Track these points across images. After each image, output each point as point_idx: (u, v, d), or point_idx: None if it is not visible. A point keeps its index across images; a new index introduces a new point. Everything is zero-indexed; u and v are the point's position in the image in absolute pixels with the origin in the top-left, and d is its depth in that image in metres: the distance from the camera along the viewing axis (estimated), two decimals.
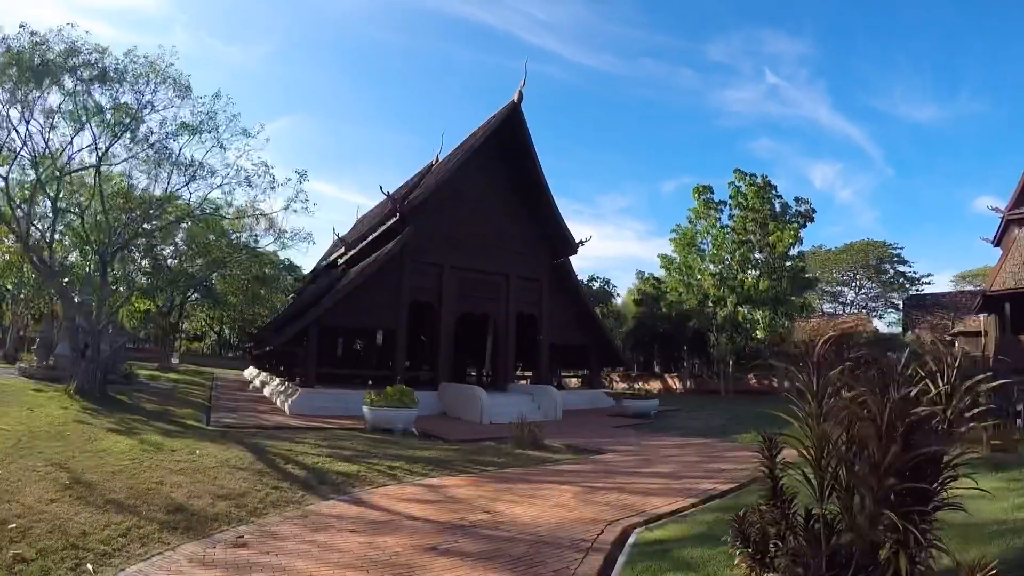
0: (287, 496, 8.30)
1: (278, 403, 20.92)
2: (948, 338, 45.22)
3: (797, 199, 34.40)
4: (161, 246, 32.34)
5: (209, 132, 19.56)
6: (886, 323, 60.13)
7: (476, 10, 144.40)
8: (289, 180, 20.70)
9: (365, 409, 15.11)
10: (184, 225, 30.04)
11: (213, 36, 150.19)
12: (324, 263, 37.22)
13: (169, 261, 34.37)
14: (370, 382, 21.27)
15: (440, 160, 29.44)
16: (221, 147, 19.76)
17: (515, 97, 24.89)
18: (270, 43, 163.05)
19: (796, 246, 32.72)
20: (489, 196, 25.38)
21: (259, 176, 20.16)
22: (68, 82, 18.34)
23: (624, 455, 12.55)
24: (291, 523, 7.08)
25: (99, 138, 19.37)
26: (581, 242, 26.79)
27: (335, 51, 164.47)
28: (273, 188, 20.40)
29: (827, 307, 61.92)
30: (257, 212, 21.75)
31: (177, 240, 32.65)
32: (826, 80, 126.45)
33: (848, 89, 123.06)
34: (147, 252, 32.03)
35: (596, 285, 50.51)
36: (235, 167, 20.11)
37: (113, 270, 29.56)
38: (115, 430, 12.79)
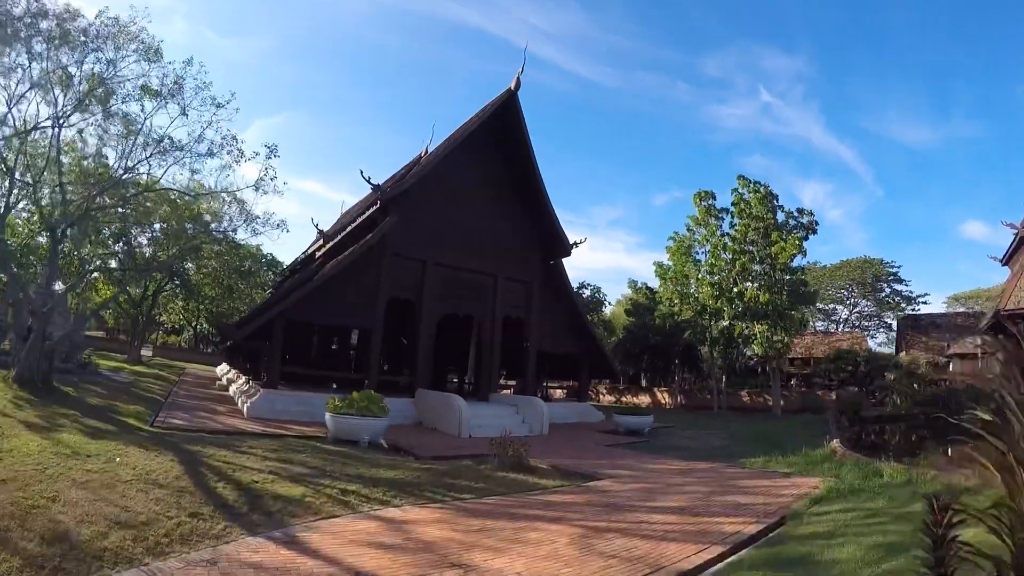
0: (203, 527, 6.52)
1: (239, 404, 19.08)
2: (944, 359, 44.07)
3: (799, 210, 32.81)
4: (136, 230, 30.47)
5: (173, 97, 17.68)
6: (877, 343, 59.03)
7: (475, 15, 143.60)
8: (257, 154, 18.74)
9: (327, 416, 13.27)
10: (161, 210, 28.30)
11: (212, 29, 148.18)
12: (303, 257, 35.34)
13: (145, 249, 32.42)
14: (334, 385, 19.34)
15: (429, 153, 27.74)
16: (184, 114, 17.86)
17: (512, 85, 23.20)
18: (268, 39, 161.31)
19: (799, 258, 31.15)
20: (479, 189, 23.64)
21: (227, 150, 18.27)
22: (36, 46, 16.63)
23: (623, 482, 10.76)
24: (192, 571, 5.29)
25: (60, 104, 17.55)
26: (575, 243, 25.14)
27: (331, 50, 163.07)
28: (238, 162, 18.49)
29: (819, 325, 60.64)
30: (225, 190, 19.82)
31: (155, 226, 30.79)
32: (820, 99, 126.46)
33: (841, 109, 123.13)
34: (119, 235, 30.08)
35: (586, 293, 48.91)
36: (200, 137, 18.21)
37: (79, 252, 27.64)
38: (37, 426, 11.11)
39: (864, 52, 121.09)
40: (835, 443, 16.26)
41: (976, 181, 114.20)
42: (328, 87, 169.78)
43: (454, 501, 8.42)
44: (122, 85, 17.79)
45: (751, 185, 32.69)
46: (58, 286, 30.62)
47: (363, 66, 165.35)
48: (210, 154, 18.06)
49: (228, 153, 18.17)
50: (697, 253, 35.62)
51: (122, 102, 17.80)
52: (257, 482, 8.53)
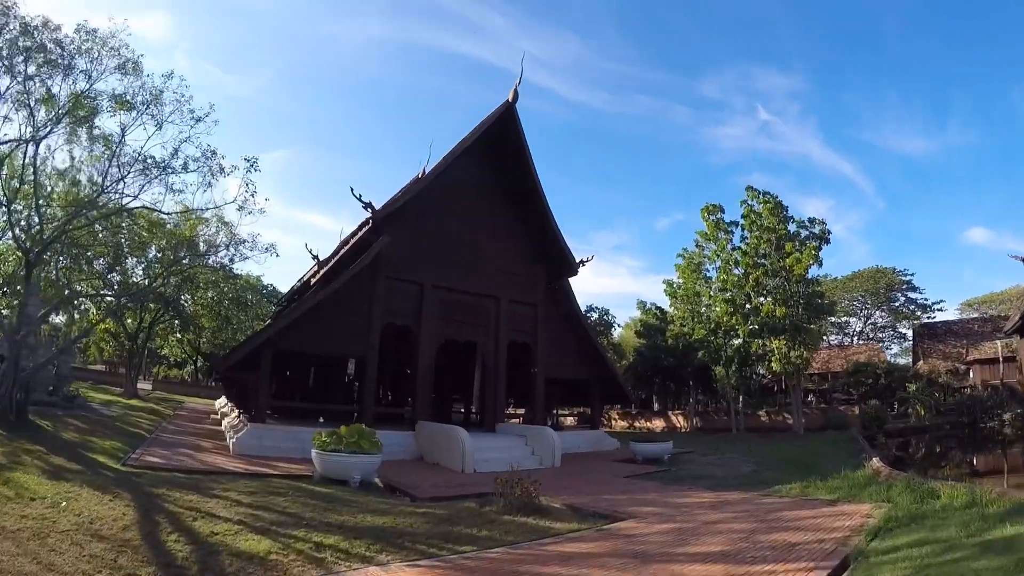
0: None
1: (227, 439, 17.77)
2: (963, 366, 42.54)
3: (811, 220, 31.68)
4: (131, 260, 29.43)
5: (148, 108, 16.69)
6: (891, 354, 57.39)
7: (472, 46, 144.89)
8: (236, 168, 17.59)
9: (313, 453, 11.94)
10: (155, 239, 27.33)
11: (214, 64, 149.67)
12: (299, 285, 34.15)
13: (140, 278, 31.36)
14: (321, 419, 17.95)
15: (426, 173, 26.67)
16: (159, 128, 16.87)
17: (509, 96, 22.16)
18: (270, 74, 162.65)
19: (813, 268, 29.80)
20: (479, 207, 22.48)
21: (205, 164, 17.18)
22: (16, 64, 15.80)
23: (650, 522, 9.32)
24: None
25: (37, 120, 16.61)
26: (582, 262, 23.79)
27: (331, 85, 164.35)
28: (215, 176, 17.34)
29: (833, 339, 59.00)
30: (206, 207, 18.76)
31: (148, 254, 29.80)
32: (817, 115, 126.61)
33: (839, 124, 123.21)
34: (114, 264, 29.02)
35: (594, 316, 47.57)
36: (176, 153, 17.17)
37: (67, 279, 26.52)
38: None
39: (858, 66, 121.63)
40: (875, 462, 14.83)
41: (976, 188, 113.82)
42: (330, 121, 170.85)
43: (451, 556, 6.97)
44: (95, 100, 16.85)
45: (760, 196, 31.54)
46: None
47: (363, 99, 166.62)
48: (185, 168, 16.97)
49: (208, 169, 17.05)
50: (707, 270, 34.45)
51: (92, 114, 16.81)
52: (218, 534, 7.21)
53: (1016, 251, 31.57)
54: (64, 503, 8.01)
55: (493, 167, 23.07)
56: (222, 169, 17.26)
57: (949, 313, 57.59)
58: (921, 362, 43.70)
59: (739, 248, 32.08)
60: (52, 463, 10.90)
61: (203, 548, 6.67)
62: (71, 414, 18.68)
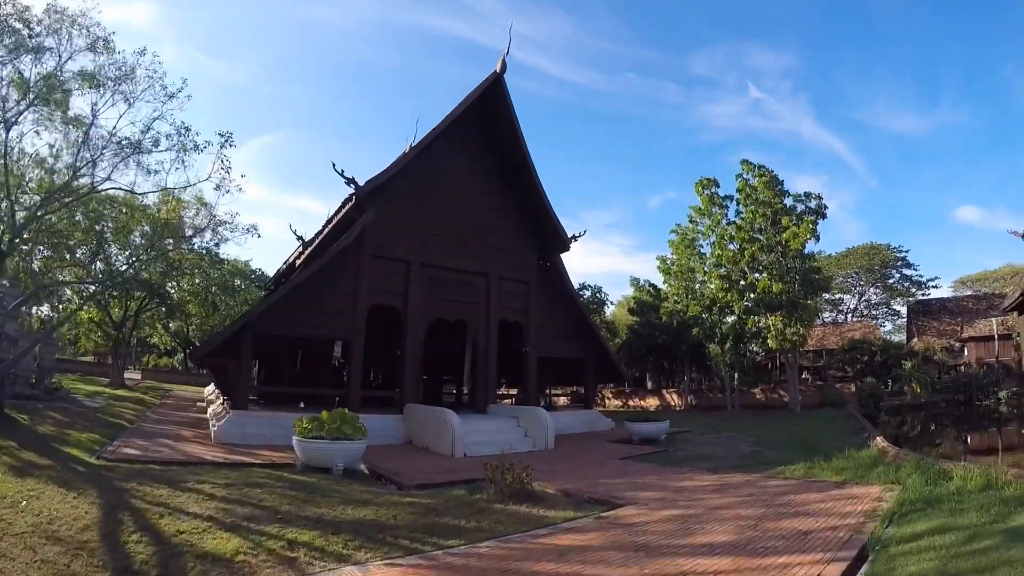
0: None
1: (210, 427, 17.18)
2: (958, 344, 42.32)
3: (807, 193, 30.98)
4: (114, 248, 28.57)
5: (119, 86, 15.94)
6: (885, 331, 57.13)
7: (462, 26, 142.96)
8: (210, 143, 16.83)
9: (294, 441, 11.35)
10: (136, 224, 26.51)
11: (202, 52, 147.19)
12: (284, 267, 33.43)
13: (123, 266, 30.53)
14: (302, 404, 17.33)
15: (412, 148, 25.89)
16: (130, 104, 16.14)
17: (497, 67, 21.35)
18: (257, 59, 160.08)
19: (810, 243, 29.20)
20: (467, 182, 21.74)
21: (179, 141, 16.45)
22: None
23: (650, 508, 8.76)
24: None
25: (7, 103, 15.84)
26: (574, 237, 23.21)
27: (321, 69, 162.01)
28: (187, 152, 16.59)
29: (827, 316, 58.68)
30: (183, 185, 18.05)
31: (131, 240, 28.94)
32: (808, 93, 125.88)
33: (830, 101, 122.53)
34: (96, 252, 28.15)
35: (587, 294, 46.89)
36: (147, 129, 16.44)
37: (47, 269, 25.78)
38: None
39: (850, 43, 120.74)
40: (880, 441, 14.40)
41: (968, 166, 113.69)
42: (321, 104, 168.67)
43: (436, 551, 6.38)
44: (66, 81, 16.09)
45: (756, 169, 30.87)
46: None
47: (355, 82, 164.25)
48: (156, 145, 16.22)
49: (181, 145, 16.31)
50: (702, 246, 33.81)
51: (65, 95, 16.07)
52: (183, 533, 6.63)
53: (1013, 228, 31.09)
54: (24, 502, 7.48)
55: (482, 142, 22.37)
56: (196, 146, 16.55)
57: (943, 291, 57.32)
58: (916, 339, 43.44)
59: (734, 223, 31.46)
60: (22, 459, 10.35)
61: (166, 549, 6.11)
62: (52, 406, 18.08)
